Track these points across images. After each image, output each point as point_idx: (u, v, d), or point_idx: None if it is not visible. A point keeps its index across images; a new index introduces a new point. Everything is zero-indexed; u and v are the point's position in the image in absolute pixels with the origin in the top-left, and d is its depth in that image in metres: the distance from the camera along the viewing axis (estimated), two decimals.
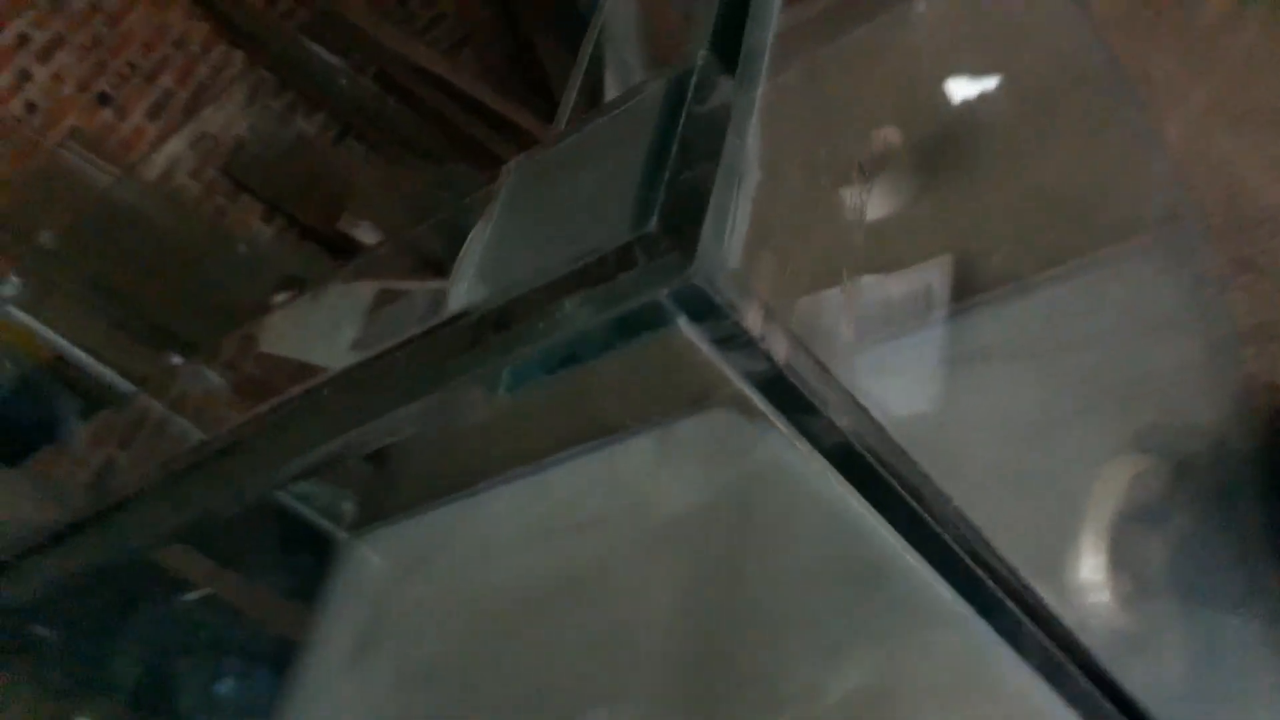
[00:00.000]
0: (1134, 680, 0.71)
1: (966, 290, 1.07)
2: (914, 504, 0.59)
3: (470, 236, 0.61)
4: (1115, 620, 0.84)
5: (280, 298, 3.42)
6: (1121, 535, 0.85)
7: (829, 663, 0.90)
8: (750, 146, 0.54)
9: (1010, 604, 0.65)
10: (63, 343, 2.72)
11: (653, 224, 0.49)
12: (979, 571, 0.63)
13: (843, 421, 0.55)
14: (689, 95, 0.56)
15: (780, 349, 0.53)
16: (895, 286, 1.13)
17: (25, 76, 3.02)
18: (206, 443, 0.73)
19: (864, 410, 0.57)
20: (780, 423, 0.55)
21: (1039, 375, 0.94)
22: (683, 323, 0.51)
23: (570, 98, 0.84)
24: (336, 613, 1.59)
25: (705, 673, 0.99)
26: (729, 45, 0.60)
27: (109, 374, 2.80)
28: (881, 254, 1.19)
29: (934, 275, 1.10)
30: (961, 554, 0.62)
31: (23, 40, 3.03)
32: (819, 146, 1.44)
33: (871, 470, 0.58)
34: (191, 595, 1.60)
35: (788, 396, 0.54)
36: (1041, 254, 1.01)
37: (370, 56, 3.73)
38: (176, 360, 3.03)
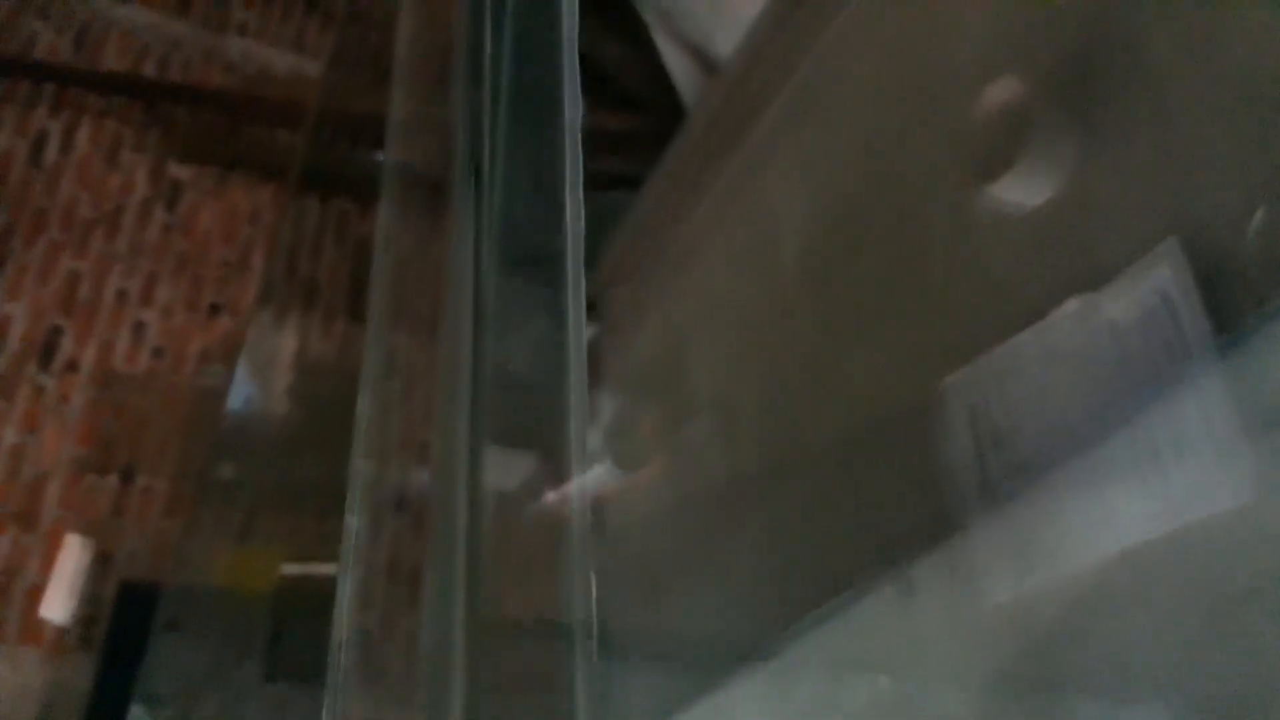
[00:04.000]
0: None
1: (1223, 279, 0.72)
2: None
3: None
4: None
5: None
6: None
7: None
8: None
9: None
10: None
11: None
12: None
13: None
14: None
15: None
16: (1113, 305, 0.79)
17: (140, 328, 3.03)
18: None
19: None
20: None
21: None
22: None
23: None
24: None
25: None
26: None
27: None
28: (1068, 263, 0.85)
29: (1164, 274, 0.76)
30: None
31: (122, 296, 3.04)
32: (907, 121, 1.09)
33: None
34: None
35: None
36: None
37: None
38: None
